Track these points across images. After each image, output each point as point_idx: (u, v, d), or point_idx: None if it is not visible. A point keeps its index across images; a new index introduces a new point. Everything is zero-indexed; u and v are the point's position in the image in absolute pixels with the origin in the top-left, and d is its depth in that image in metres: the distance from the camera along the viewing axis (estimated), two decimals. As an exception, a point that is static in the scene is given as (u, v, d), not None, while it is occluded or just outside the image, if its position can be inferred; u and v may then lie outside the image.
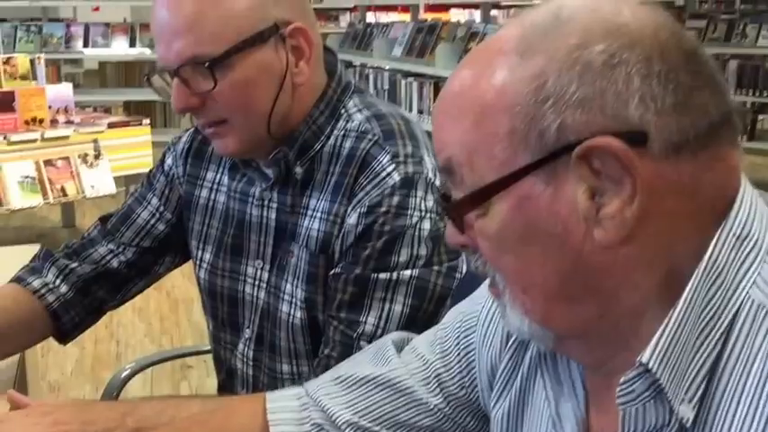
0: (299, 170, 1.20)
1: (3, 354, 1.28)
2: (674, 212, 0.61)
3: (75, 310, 1.32)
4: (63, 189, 4.08)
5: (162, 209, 1.36)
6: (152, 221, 1.36)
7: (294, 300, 1.21)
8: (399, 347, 0.97)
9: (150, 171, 1.40)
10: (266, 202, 1.24)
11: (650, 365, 0.60)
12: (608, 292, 0.64)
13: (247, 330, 1.28)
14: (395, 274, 1.13)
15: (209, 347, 1.44)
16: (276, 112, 1.14)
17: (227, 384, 1.35)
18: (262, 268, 1.25)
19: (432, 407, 0.91)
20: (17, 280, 1.32)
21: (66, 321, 1.32)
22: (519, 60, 0.63)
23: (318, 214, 1.19)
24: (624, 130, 0.59)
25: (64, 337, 1.34)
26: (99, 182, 4.19)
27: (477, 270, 0.70)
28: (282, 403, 0.97)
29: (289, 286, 1.22)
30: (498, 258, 0.67)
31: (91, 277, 1.33)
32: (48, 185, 4.03)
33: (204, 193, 1.33)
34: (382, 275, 1.13)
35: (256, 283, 1.26)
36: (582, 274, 0.63)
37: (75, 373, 3.19)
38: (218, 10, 1.08)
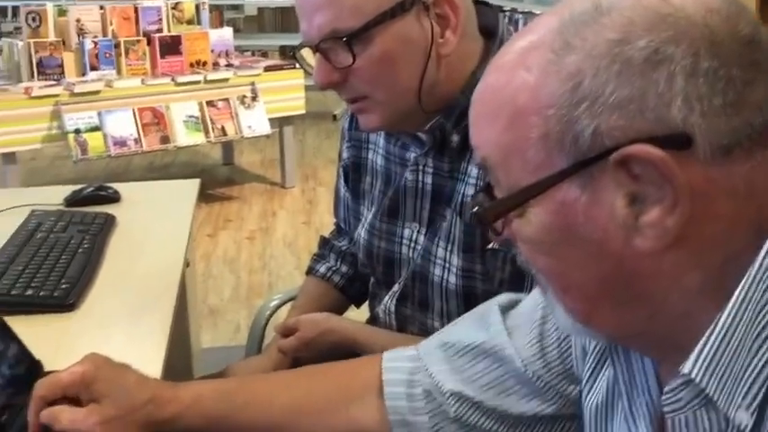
0: (455, 138, 1.15)
1: None
2: (727, 216, 0.56)
3: (360, 282, 1.47)
4: (223, 128, 4.31)
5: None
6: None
7: (448, 265, 1.19)
8: (505, 310, 0.94)
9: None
10: (421, 167, 1.21)
11: (693, 376, 0.56)
12: (656, 296, 0.59)
13: (396, 285, 1.29)
14: None
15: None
16: (423, 86, 1.09)
17: (373, 324, 1.39)
18: (418, 231, 1.24)
19: (531, 375, 0.88)
20: (309, 271, 1.51)
21: (354, 293, 1.48)
22: (554, 57, 0.58)
23: (473, 180, 1.15)
24: (665, 134, 0.54)
25: (358, 303, 1.51)
26: (255, 122, 4.39)
27: (522, 265, 0.67)
28: (397, 364, 0.97)
29: (441, 251, 1.20)
30: (537, 260, 0.64)
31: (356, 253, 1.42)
32: (209, 125, 4.26)
33: (370, 155, 1.34)
34: None
35: (411, 245, 1.25)
36: (625, 279, 0.59)
37: (231, 299, 3.37)
38: None
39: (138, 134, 4.07)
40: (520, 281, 1.11)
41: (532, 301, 0.91)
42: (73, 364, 0.92)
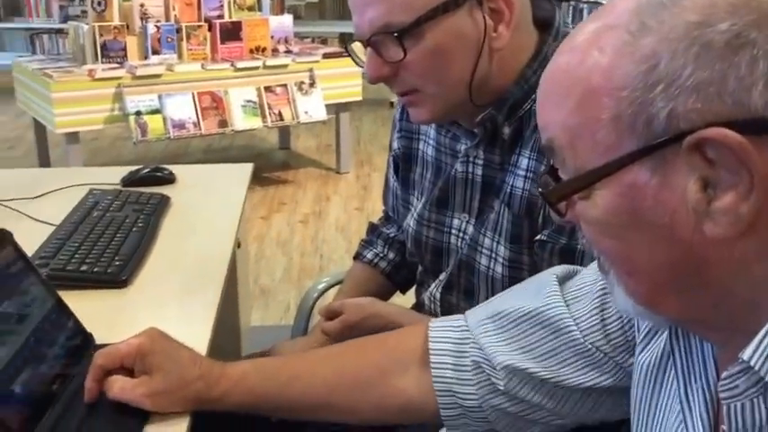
0: (506, 130, 1.15)
1: None
2: None
3: (406, 269, 1.49)
4: (280, 114, 4.36)
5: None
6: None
7: (495, 255, 1.20)
8: (563, 281, 0.92)
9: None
10: (471, 159, 1.22)
11: (752, 363, 0.56)
12: (723, 284, 0.58)
13: (442, 274, 1.30)
14: None
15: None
16: (475, 80, 1.09)
17: (418, 311, 1.40)
18: (467, 221, 1.25)
19: (590, 346, 0.87)
20: (357, 256, 1.54)
21: (400, 280, 1.51)
22: (630, 38, 0.57)
23: (522, 172, 1.15)
24: (744, 119, 0.53)
25: (403, 290, 1.54)
26: (312, 108, 4.42)
27: (584, 247, 0.66)
28: (444, 333, 0.96)
29: (488, 241, 1.21)
30: (601, 242, 0.63)
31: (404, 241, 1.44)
32: (267, 110, 4.31)
33: (421, 145, 1.35)
34: None
35: (460, 234, 1.26)
36: (693, 265, 0.58)
37: (283, 280, 3.42)
38: None
39: (197, 117, 4.14)
40: None
41: (592, 273, 0.89)
42: (131, 336, 0.95)
